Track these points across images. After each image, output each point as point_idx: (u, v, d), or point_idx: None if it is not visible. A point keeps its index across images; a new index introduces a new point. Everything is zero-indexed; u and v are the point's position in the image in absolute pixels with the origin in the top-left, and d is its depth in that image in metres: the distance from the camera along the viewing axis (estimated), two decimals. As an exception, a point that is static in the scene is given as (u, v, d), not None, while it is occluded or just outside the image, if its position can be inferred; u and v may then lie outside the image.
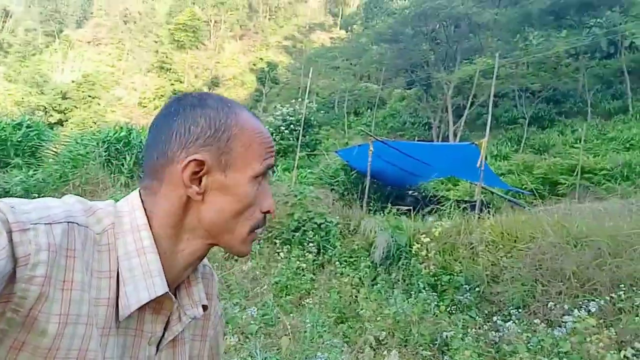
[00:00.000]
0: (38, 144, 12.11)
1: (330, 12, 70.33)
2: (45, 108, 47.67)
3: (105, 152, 10.24)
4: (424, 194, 11.49)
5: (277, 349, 3.30)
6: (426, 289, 4.72)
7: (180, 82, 57.63)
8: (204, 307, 0.78)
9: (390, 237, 5.68)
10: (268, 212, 0.74)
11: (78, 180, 10.07)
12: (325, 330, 3.82)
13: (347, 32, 59.46)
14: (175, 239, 0.70)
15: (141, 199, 0.70)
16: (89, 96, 52.38)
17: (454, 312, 4.40)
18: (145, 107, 55.32)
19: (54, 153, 11.48)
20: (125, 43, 66.49)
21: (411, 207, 7.72)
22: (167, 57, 58.34)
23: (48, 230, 0.56)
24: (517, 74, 25.88)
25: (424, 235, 5.29)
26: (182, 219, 0.69)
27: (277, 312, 4.67)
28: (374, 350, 3.56)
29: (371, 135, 10.87)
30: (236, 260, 6.19)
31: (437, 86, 29.11)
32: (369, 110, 35.67)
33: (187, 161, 0.67)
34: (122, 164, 10.02)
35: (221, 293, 5.09)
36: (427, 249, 5.15)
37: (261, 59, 56.93)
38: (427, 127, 29.86)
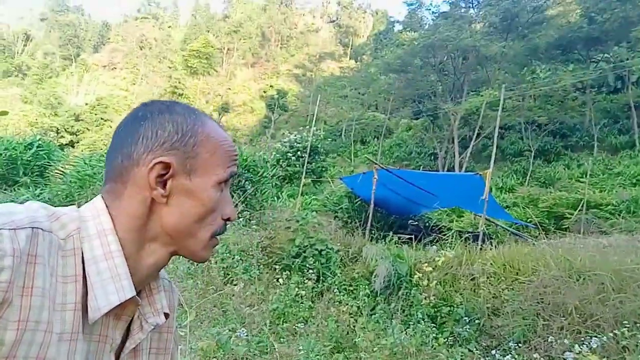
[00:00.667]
0: (47, 163, 12.29)
1: (341, 42, 71.72)
2: (58, 129, 48.48)
3: (112, 173, 10.33)
4: (427, 223, 11.41)
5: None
6: (425, 320, 4.63)
7: (191, 107, 58.45)
8: (166, 316, 0.78)
9: (391, 265, 5.61)
10: (229, 219, 0.76)
11: (84, 201, 10.14)
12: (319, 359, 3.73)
13: (356, 62, 60.53)
14: (140, 243, 0.70)
15: (105, 204, 0.70)
16: (102, 119, 53.30)
17: (453, 344, 4.30)
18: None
19: (61, 173, 11.61)
20: (140, 68, 68.07)
21: (412, 236, 7.66)
22: (179, 82, 59.44)
23: (12, 236, 0.56)
24: (524, 106, 26.05)
25: (425, 265, 5.22)
26: (145, 223, 0.70)
27: (273, 340, 4.59)
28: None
29: (376, 163, 10.89)
30: (235, 285, 6.13)
31: (443, 117, 29.33)
32: (375, 139, 35.92)
33: (154, 163, 0.68)
34: (128, 186, 10.08)
35: (216, 318, 5.03)
36: (428, 279, 5.07)
37: (271, 86, 57.78)
38: (433, 157, 29.93)
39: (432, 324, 4.65)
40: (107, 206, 0.69)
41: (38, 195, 9.98)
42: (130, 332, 0.73)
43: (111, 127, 53.06)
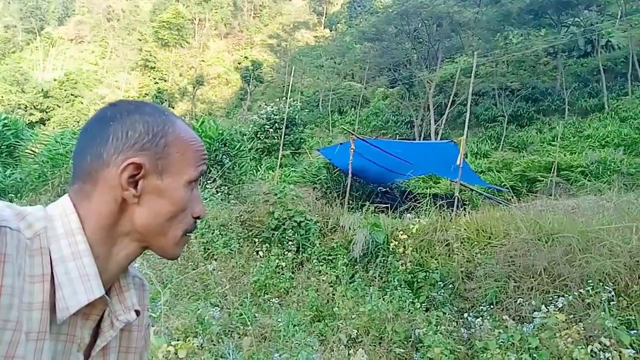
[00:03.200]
0: (16, 142, 11.88)
1: (315, 11, 70.17)
2: (26, 106, 46.78)
3: (85, 151, 10.08)
4: (404, 191, 11.58)
5: (248, 349, 3.30)
6: (402, 286, 4.77)
7: (165, 80, 57.03)
8: (137, 313, 0.78)
9: (369, 234, 5.72)
10: (199, 217, 0.77)
11: (57, 180, 9.92)
12: (300, 329, 3.84)
13: (331, 30, 59.50)
14: (110, 242, 0.70)
15: (73, 203, 0.69)
16: (72, 95, 51.50)
17: (429, 308, 4.47)
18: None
19: (32, 152, 11.28)
20: (109, 41, 65.52)
21: (388, 205, 7.78)
22: (151, 55, 57.64)
23: None
24: (497, 72, 26.25)
25: (401, 232, 5.34)
26: (116, 222, 0.70)
27: (254, 312, 4.68)
28: (348, 348, 3.59)
29: (352, 134, 10.91)
30: (215, 259, 6.18)
31: (419, 85, 29.38)
32: (352, 109, 35.80)
33: (126, 164, 0.68)
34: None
35: (197, 293, 5.08)
36: (404, 246, 5.20)
37: (246, 57, 56.61)
38: (409, 125, 30.09)
39: (409, 290, 4.80)
40: (74, 205, 0.69)
41: (9, 176, 9.71)
42: (100, 330, 0.73)
43: (82, 103, 51.47)
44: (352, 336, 3.80)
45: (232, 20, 69.31)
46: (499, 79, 25.84)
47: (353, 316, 4.09)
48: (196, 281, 5.58)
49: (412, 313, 4.19)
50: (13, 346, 0.58)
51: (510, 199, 8.51)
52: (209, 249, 6.35)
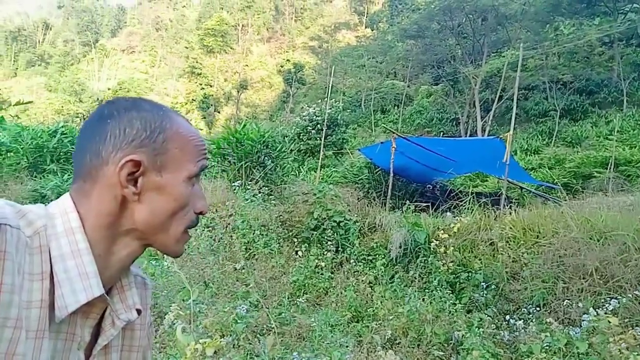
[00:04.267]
0: (71, 149, 12.58)
1: (356, 11, 69.94)
2: (84, 115, 49.45)
3: (136, 156, 10.52)
4: (447, 190, 11.28)
5: (286, 349, 3.31)
6: (443, 286, 4.63)
7: (210, 85, 58.65)
8: (139, 312, 0.78)
9: (408, 234, 5.60)
10: (201, 212, 0.76)
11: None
12: (337, 329, 3.80)
13: (372, 30, 59.07)
14: (111, 240, 0.70)
15: (73, 202, 0.69)
16: (124, 103, 53.97)
17: (471, 310, 4.31)
18: (178, 111, 56.59)
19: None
20: (158, 50, 68.34)
21: (429, 204, 7.60)
22: (197, 62, 59.47)
23: None
24: (548, 65, 25.10)
25: (441, 232, 5.19)
26: (116, 221, 0.70)
27: (293, 312, 4.69)
28: (386, 349, 3.52)
29: (394, 132, 10.76)
30: (256, 259, 6.26)
31: (464, 81, 28.61)
32: (395, 108, 35.39)
33: (124, 161, 0.68)
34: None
35: (237, 292, 5.15)
36: (445, 246, 5.05)
37: (288, 60, 57.23)
38: (454, 122, 29.36)
39: (450, 291, 4.65)
40: (75, 204, 0.69)
41: (66, 181, 10.27)
42: (101, 329, 0.73)
43: (133, 110, 53.81)
44: (390, 337, 3.73)
45: (274, 24, 70.36)
46: (549, 72, 24.68)
47: (391, 317, 4.01)
48: (237, 280, 5.67)
49: (452, 315, 4.06)
50: (13, 344, 0.58)
51: (563, 197, 8.10)
52: (250, 249, 6.43)
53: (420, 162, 11.10)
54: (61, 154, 12.05)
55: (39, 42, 74.29)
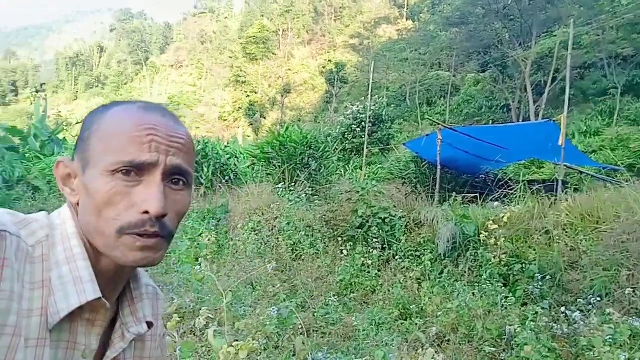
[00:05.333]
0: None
1: (396, 4, 68.88)
2: (138, 131, 51.96)
3: (185, 165, 10.88)
4: (499, 179, 10.82)
5: (329, 349, 3.26)
6: (495, 280, 4.41)
7: (255, 92, 59.86)
8: (150, 325, 0.77)
9: (456, 226, 5.39)
10: (146, 212, 0.64)
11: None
12: (384, 328, 3.71)
13: (413, 22, 57.98)
14: (94, 245, 0.68)
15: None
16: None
17: (526, 303, 4.06)
18: (226, 120, 58.24)
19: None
20: (204, 62, 70.65)
21: (477, 195, 7.28)
22: (241, 70, 60.88)
23: None
24: (605, 40, 23.48)
25: (490, 222, 4.95)
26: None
27: (340, 311, 4.64)
28: (435, 347, 3.38)
29: (438, 123, 10.46)
30: (303, 260, 6.26)
31: (513, 65, 27.37)
32: (442, 99, 34.54)
33: (55, 165, 0.69)
34: (201, 175, 10.57)
35: (285, 293, 5.16)
36: (495, 237, 4.81)
37: (329, 60, 57.27)
38: (505, 109, 28.19)
39: (503, 284, 4.42)
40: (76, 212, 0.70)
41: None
42: (111, 342, 0.72)
43: (185, 122, 55.85)
44: (438, 334, 3.58)
45: (314, 26, 70.72)
46: (607, 48, 23.10)
47: (439, 313, 3.86)
48: (284, 282, 5.70)
49: (505, 309, 3.84)
50: (12, 351, 0.57)
51: (627, 180, 7.51)
52: (296, 250, 6.45)
53: (470, 152, 10.72)
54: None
55: (95, 65, 78.94)
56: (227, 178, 10.72)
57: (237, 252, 6.55)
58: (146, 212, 0.64)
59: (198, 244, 6.78)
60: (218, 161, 11.08)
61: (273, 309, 3.30)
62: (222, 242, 7.03)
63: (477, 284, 4.45)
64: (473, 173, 11.82)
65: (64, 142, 14.61)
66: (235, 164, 11.60)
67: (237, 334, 2.35)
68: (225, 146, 12.95)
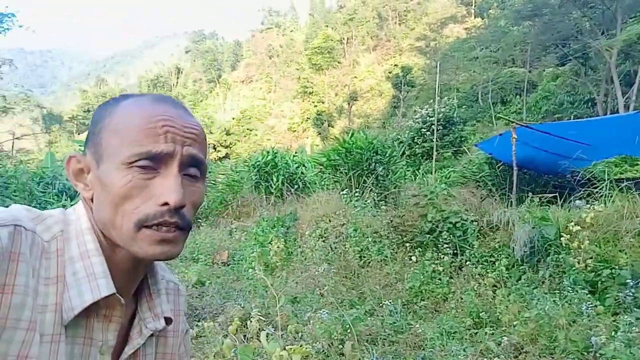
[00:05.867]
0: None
1: (462, 2, 66.69)
2: (215, 145, 54.53)
3: (256, 176, 11.23)
4: (581, 178, 10.00)
5: (394, 357, 3.13)
6: (580, 286, 4.03)
7: (322, 102, 60.60)
8: (168, 321, 0.76)
9: (534, 229, 5.02)
10: (166, 204, 0.63)
11: (235, 203, 11.26)
12: (455, 337, 3.51)
13: (482, 19, 55.76)
14: (110, 240, 0.67)
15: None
16: (247, 129, 58.61)
17: (618, 313, 3.66)
18: (295, 131, 59.47)
19: (214, 183, 13.06)
20: (272, 76, 72.93)
21: (557, 195, 6.75)
22: (308, 81, 61.96)
23: None
24: None
25: (572, 224, 4.54)
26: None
27: (410, 319, 4.48)
28: (512, 359, 3.14)
29: (512, 121, 9.89)
30: (370, 267, 6.15)
31: (596, 56, 25.37)
32: (517, 97, 32.79)
33: (66, 160, 0.69)
34: (270, 185, 10.85)
35: (353, 300, 5.10)
36: (579, 240, 4.41)
37: (395, 65, 56.55)
38: (589, 104, 26.13)
39: (589, 291, 4.02)
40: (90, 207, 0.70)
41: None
42: (129, 337, 0.72)
43: (256, 135, 57.99)
44: (515, 345, 3.32)
45: (378, 31, 70.37)
46: None
47: (516, 322, 3.58)
48: (353, 289, 5.63)
49: (592, 318, 3.48)
50: (26, 346, 0.57)
51: None
52: (364, 257, 6.37)
53: (549, 151, 10.01)
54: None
55: (173, 85, 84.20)
56: (295, 186, 10.89)
57: (305, 259, 6.60)
58: (165, 204, 0.63)
59: (267, 251, 6.92)
60: (287, 170, 11.29)
61: (330, 314, 3.23)
62: (290, 249, 7.12)
63: (558, 291, 4.09)
64: (554, 173, 11.02)
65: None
66: (303, 173, 11.76)
67: (298, 339, 2.33)
68: (294, 155, 13.19)
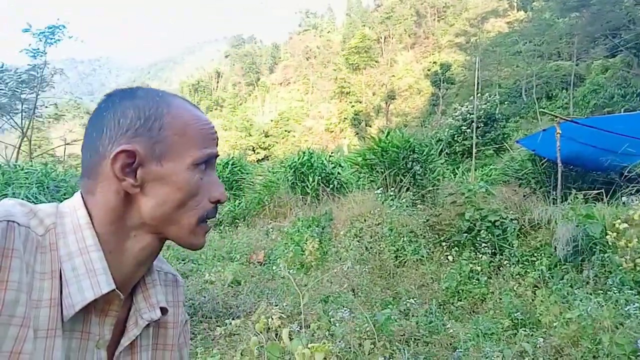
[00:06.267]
0: (241, 177, 14.11)
1: (504, -4, 64.77)
2: (254, 147, 55.43)
3: (292, 176, 11.30)
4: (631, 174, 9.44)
5: (426, 358, 3.05)
6: (628, 287, 3.80)
7: (360, 102, 60.33)
8: (164, 311, 0.76)
9: (578, 228, 4.78)
10: (218, 201, 0.73)
11: (272, 204, 11.38)
12: (492, 338, 3.39)
13: (526, 12, 53.91)
14: (122, 236, 0.68)
15: (83, 199, 0.69)
16: (285, 131, 59.21)
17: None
18: (332, 131, 59.52)
19: (251, 184, 13.26)
20: (309, 77, 73.31)
21: (603, 191, 6.40)
22: (345, 81, 61.89)
23: None
24: None
25: (619, 221, 4.29)
26: (123, 215, 0.68)
27: (446, 320, 4.38)
28: (552, 361, 3.00)
29: (557, 116, 9.49)
30: (406, 267, 6.06)
31: (650, 45, 23.96)
32: (563, 91, 31.40)
33: (115, 153, 0.65)
34: (306, 185, 10.89)
35: (387, 300, 5.03)
36: (627, 239, 4.17)
37: (434, 62, 55.56)
38: (643, 96, 24.70)
39: (638, 292, 3.78)
40: (84, 201, 0.69)
41: (238, 206, 11.54)
42: (125, 329, 0.72)
43: (294, 136, 58.46)
44: (557, 347, 3.17)
45: (416, 29, 69.36)
46: None
47: (555, 323, 3.42)
48: (388, 289, 5.56)
49: (641, 321, 3.27)
50: (20, 342, 0.57)
51: None
52: (399, 257, 6.28)
53: (598, 146, 9.52)
54: (233, 182, 13.62)
55: (214, 89, 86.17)
56: (331, 186, 10.87)
57: (339, 258, 6.57)
58: (217, 202, 0.73)
59: (302, 251, 6.94)
60: (323, 170, 11.30)
61: (344, 310, 3.18)
62: (325, 249, 7.11)
63: (603, 292, 3.87)
64: (602, 169, 10.47)
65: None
66: (339, 173, 11.73)
67: (322, 338, 2.31)
68: (330, 155, 13.18)
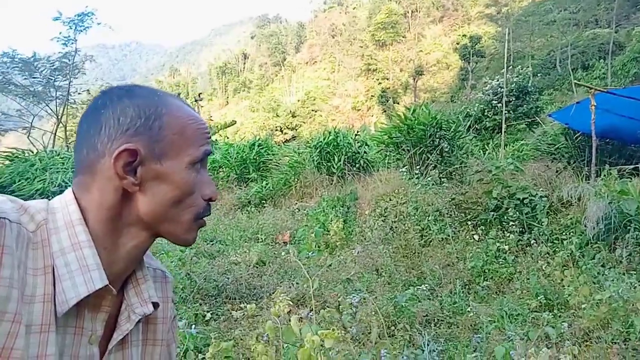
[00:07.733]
0: (268, 159, 14.17)
1: (538, -38, 61.74)
2: (281, 128, 55.54)
3: (317, 156, 11.27)
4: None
5: (448, 340, 3.00)
6: (663, 267, 3.63)
7: (387, 79, 59.29)
8: (155, 305, 0.77)
9: (610, 204, 4.58)
10: (210, 199, 0.74)
11: (299, 184, 11.40)
12: (519, 320, 3.31)
13: (561, -23, 51.33)
14: (116, 233, 0.69)
15: (75, 196, 0.69)
16: (312, 110, 58.94)
17: None
18: (359, 110, 58.91)
19: (277, 165, 13.30)
20: (336, 56, 72.34)
21: (639, 166, 6.10)
22: (371, 58, 60.84)
23: None
24: None
25: (654, 199, 4.09)
26: (120, 212, 0.68)
27: (471, 300, 4.31)
28: (579, 345, 2.90)
29: (591, 87, 9.05)
30: (431, 246, 5.98)
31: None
32: (601, 61, 29.95)
33: (119, 151, 0.66)
34: (332, 165, 10.85)
35: (411, 281, 4.98)
36: (663, 216, 3.97)
37: (464, 35, 53.81)
38: (690, 63, 23.31)
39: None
40: (76, 198, 0.69)
41: (264, 187, 11.62)
42: (117, 324, 0.73)
43: (321, 116, 58.17)
44: (586, 330, 3.07)
45: (445, 1, 67.16)
46: None
47: (584, 305, 3.30)
48: (412, 269, 5.50)
49: (677, 303, 3.13)
50: (11, 338, 0.57)
51: None
52: (425, 236, 6.20)
53: (636, 118, 9.07)
54: (260, 163, 13.69)
55: (240, 71, 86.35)
56: (357, 166, 10.79)
57: (364, 238, 6.55)
58: (210, 200, 0.74)
59: (327, 231, 6.95)
60: (349, 150, 11.21)
61: (353, 296, 3.15)
62: (350, 229, 7.09)
63: (636, 272, 3.71)
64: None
65: (215, 143, 16.36)
66: (365, 152, 11.61)
67: (335, 322, 2.30)
68: (356, 134, 13.04)
